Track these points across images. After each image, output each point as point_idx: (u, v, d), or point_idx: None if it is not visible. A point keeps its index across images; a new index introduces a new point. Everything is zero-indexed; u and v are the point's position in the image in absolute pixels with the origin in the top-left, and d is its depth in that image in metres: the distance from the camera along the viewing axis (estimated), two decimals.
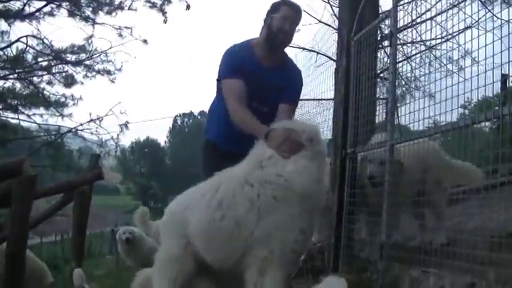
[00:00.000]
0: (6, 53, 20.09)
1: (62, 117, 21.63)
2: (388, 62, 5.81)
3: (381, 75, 7.24)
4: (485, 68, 4.06)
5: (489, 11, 4.99)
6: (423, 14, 7.12)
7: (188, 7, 20.55)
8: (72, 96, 22.02)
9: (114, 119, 21.23)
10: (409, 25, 8.17)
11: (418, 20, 7.84)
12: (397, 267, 5.01)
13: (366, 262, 5.66)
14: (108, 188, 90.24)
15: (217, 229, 4.42)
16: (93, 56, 21.80)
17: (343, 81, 6.39)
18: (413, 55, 9.17)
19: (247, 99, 5.35)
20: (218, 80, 5.51)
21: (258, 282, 4.30)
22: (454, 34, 6.01)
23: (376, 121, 6.32)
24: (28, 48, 20.27)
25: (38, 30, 20.33)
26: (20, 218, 5.71)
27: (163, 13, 21.27)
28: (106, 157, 23.57)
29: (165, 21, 21.39)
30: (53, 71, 21.64)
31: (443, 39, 7.96)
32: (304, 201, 4.42)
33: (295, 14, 5.58)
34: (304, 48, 10.41)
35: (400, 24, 6.19)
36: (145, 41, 22.05)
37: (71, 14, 20.70)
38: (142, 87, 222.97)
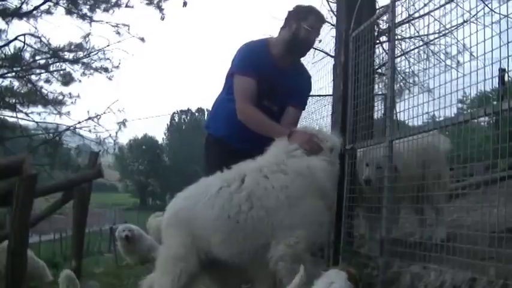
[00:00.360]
0: (4, 51, 20.16)
1: (60, 115, 21.71)
2: (386, 57, 5.81)
3: (379, 70, 7.24)
4: (484, 63, 4.07)
5: (486, 5, 5.00)
6: (420, 9, 7.12)
7: (185, 4, 20.51)
8: (70, 94, 22.10)
9: (112, 117, 21.31)
10: (407, 20, 8.17)
11: (416, 15, 7.84)
12: (398, 263, 5.01)
13: (366, 258, 5.66)
14: (106, 186, 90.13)
15: (244, 220, 4.52)
16: (91, 54, 21.89)
17: (341, 78, 6.38)
18: (410, 50, 9.19)
19: (259, 97, 5.44)
20: (230, 75, 5.48)
21: (289, 269, 4.40)
22: (452, 29, 6.02)
23: (375, 117, 6.32)
24: (26, 46, 20.37)
25: (36, 28, 20.39)
26: (21, 216, 5.72)
27: (161, 10, 21.33)
28: (104, 155, 23.57)
29: (162, 18, 21.42)
30: (51, 69, 21.73)
31: (440, 34, 7.97)
32: (325, 196, 4.80)
33: (320, 25, 5.84)
34: None
35: (398, 19, 6.19)
36: (142, 39, 22.09)
37: (68, 11, 20.73)
38: (139, 85, 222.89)
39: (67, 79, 21.68)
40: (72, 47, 21.34)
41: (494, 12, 4.42)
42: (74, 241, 8.34)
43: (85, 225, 8.33)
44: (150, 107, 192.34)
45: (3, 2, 19.41)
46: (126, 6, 21.16)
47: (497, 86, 5.25)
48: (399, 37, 9.34)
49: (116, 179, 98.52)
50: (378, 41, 7.20)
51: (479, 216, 4.70)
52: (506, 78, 5.03)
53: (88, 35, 21.34)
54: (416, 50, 9.65)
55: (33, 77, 21.63)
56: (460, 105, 6.06)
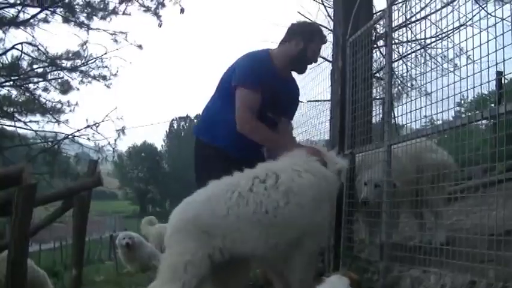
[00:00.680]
0: (1, 60, 20.13)
1: (58, 124, 21.66)
2: (384, 61, 5.83)
3: (377, 75, 7.25)
4: (480, 66, 4.08)
5: (483, 9, 5.01)
6: (417, 13, 7.15)
7: (182, 11, 20.58)
8: (68, 102, 22.03)
9: (110, 125, 21.27)
10: (404, 24, 8.19)
11: (413, 19, 7.86)
12: (398, 267, 5.02)
13: (366, 263, 5.67)
14: (106, 194, 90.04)
15: (281, 215, 4.63)
16: (89, 62, 21.82)
17: (339, 83, 6.41)
18: (408, 54, 9.21)
19: (263, 109, 5.46)
20: (234, 87, 5.47)
21: (306, 264, 4.85)
22: (449, 33, 6.04)
23: (373, 121, 6.34)
24: (23, 55, 20.30)
25: (33, 37, 20.36)
26: (20, 226, 5.72)
27: (158, 17, 21.30)
28: (103, 162, 23.55)
29: (159, 25, 21.43)
30: (49, 77, 21.69)
31: (438, 38, 7.99)
32: (332, 202, 5.14)
33: (322, 45, 5.92)
34: None
35: (395, 23, 6.21)
36: (140, 46, 22.07)
37: (66, 20, 20.70)
38: (138, 92, 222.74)
39: (65, 87, 21.68)
40: (70, 55, 21.34)
41: (491, 15, 4.41)
42: (74, 249, 8.32)
43: (85, 234, 8.31)
44: (148, 114, 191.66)
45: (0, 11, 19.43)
46: (124, 13, 21.16)
47: (494, 89, 5.27)
48: (397, 41, 9.36)
49: (115, 186, 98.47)
50: (375, 45, 7.21)
51: (478, 219, 4.72)
52: (503, 82, 5.06)
53: (85, 43, 21.34)
54: (414, 54, 9.67)
55: (31, 86, 21.61)
56: (458, 108, 6.08)
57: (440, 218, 5.88)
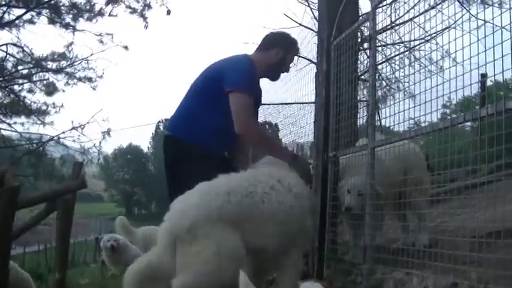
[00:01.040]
0: None
1: (43, 126, 21.66)
2: (369, 64, 5.83)
3: (362, 77, 7.26)
4: (463, 68, 4.09)
5: (468, 11, 5.03)
6: (403, 15, 7.16)
7: (169, 12, 20.63)
8: (53, 104, 22.03)
9: (96, 126, 21.24)
10: (389, 27, 8.21)
11: (398, 22, 7.88)
12: (381, 270, 5.02)
13: (350, 265, 5.67)
14: (92, 196, 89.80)
15: (292, 215, 5.00)
16: (74, 63, 21.80)
17: (323, 85, 6.40)
18: (393, 56, 9.23)
19: None
20: (229, 90, 5.49)
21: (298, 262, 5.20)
22: (434, 35, 6.06)
23: (358, 124, 6.34)
24: (8, 56, 20.28)
25: (18, 38, 20.33)
26: (2, 228, 5.67)
27: (144, 19, 21.31)
28: (89, 165, 23.47)
29: (145, 27, 21.42)
30: (34, 79, 21.67)
31: (423, 41, 8.02)
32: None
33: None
34: None
35: (380, 26, 6.21)
36: (126, 47, 22.07)
37: (51, 21, 20.69)
38: (124, 94, 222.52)
39: (50, 89, 21.65)
40: (55, 56, 21.32)
41: (476, 17, 4.42)
42: (58, 252, 8.25)
43: (69, 236, 8.24)
44: (134, 116, 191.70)
45: None
46: (110, 15, 21.15)
47: (479, 91, 5.28)
48: (382, 43, 9.38)
49: (101, 188, 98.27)
50: (361, 48, 7.22)
51: (461, 221, 4.73)
52: (487, 84, 5.07)
53: (71, 44, 21.33)
54: (399, 56, 9.69)
55: (16, 87, 21.59)
56: (443, 110, 6.10)
57: (423, 220, 5.90)
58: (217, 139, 5.60)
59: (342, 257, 6.06)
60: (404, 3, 6.47)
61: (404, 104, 5.09)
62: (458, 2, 5.64)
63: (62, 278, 7.58)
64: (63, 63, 21.61)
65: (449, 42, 4.33)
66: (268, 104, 12.03)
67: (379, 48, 8.53)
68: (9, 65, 20.72)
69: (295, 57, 6.69)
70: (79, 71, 22.11)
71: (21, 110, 21.24)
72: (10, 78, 21.02)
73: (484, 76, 4.37)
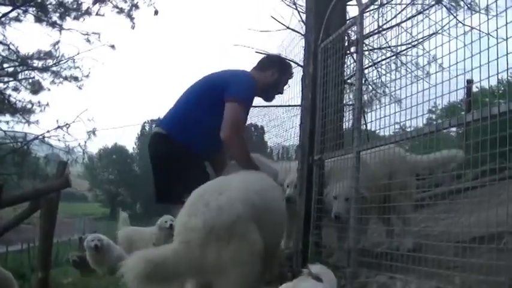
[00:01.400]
0: None
1: (28, 124, 21.50)
2: (355, 68, 5.84)
3: (348, 81, 7.28)
4: (449, 74, 4.10)
5: (454, 17, 5.04)
6: (390, 20, 7.18)
7: (156, 13, 20.61)
8: (38, 102, 21.90)
9: (81, 126, 21.16)
10: (376, 31, 8.23)
11: (385, 27, 7.90)
12: (365, 273, 5.03)
13: (334, 268, 5.67)
14: (76, 195, 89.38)
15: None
16: (60, 62, 21.69)
17: (310, 88, 6.41)
18: (380, 61, 9.26)
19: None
20: (229, 98, 5.61)
21: None
22: (421, 40, 6.08)
23: (344, 127, 6.36)
24: None
25: (4, 35, 20.21)
26: None
27: (131, 19, 21.27)
28: (73, 164, 23.37)
29: (132, 27, 21.38)
30: (19, 77, 21.50)
31: (409, 46, 8.05)
32: None
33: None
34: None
35: (367, 30, 6.24)
36: (113, 47, 22.00)
37: (38, 19, 20.59)
38: (110, 94, 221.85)
39: (36, 87, 21.53)
40: (42, 55, 21.21)
41: (462, 23, 4.44)
42: (41, 251, 8.24)
43: (53, 235, 8.21)
44: (120, 116, 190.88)
45: None
46: (97, 14, 21.09)
47: (464, 97, 5.30)
48: (369, 47, 9.39)
49: (85, 188, 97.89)
50: (348, 51, 7.23)
51: (445, 226, 4.75)
52: (473, 90, 5.09)
53: (57, 42, 21.24)
54: (385, 61, 9.71)
55: (1, 85, 21.41)
56: (429, 115, 6.12)
57: (408, 225, 5.91)
58: (209, 144, 5.74)
59: (326, 259, 6.06)
60: (392, 8, 6.51)
61: (390, 108, 5.11)
62: (446, 8, 5.67)
63: (45, 277, 7.55)
64: (49, 61, 21.53)
65: (436, 47, 4.34)
66: (254, 106, 12.04)
67: (366, 53, 8.53)
68: None
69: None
70: (65, 69, 22.03)
71: (6, 108, 21.11)
72: None
73: (470, 82, 4.39)
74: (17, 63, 21.21)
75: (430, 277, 4.15)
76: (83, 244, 15.54)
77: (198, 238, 4.29)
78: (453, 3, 9.64)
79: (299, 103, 7.84)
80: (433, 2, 6.06)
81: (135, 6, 21.22)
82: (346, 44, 6.88)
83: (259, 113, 12.15)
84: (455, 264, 4.03)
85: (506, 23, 3.33)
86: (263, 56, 6.55)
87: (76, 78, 22.29)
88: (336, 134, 6.03)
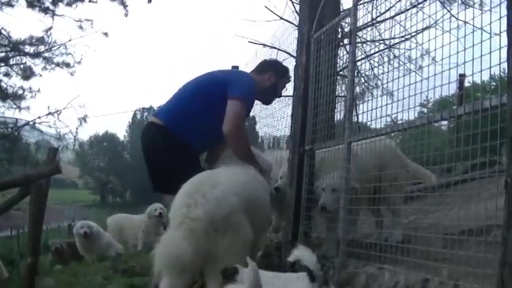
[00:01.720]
0: None
1: (19, 110, 21.42)
2: (348, 60, 5.85)
3: (341, 73, 7.28)
4: (442, 67, 4.11)
5: (448, 11, 5.04)
6: (384, 13, 7.18)
7: (150, 0, 20.49)
8: (30, 88, 21.80)
9: (72, 113, 21.09)
10: (370, 24, 8.22)
11: (379, 19, 7.90)
12: (353, 264, 5.05)
13: (323, 258, 5.69)
14: (66, 182, 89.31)
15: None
16: (52, 48, 21.60)
17: (302, 79, 6.41)
18: (373, 54, 9.25)
19: None
20: (232, 96, 5.75)
21: None
22: (414, 34, 6.08)
23: (335, 119, 6.36)
24: None
25: None
26: None
27: (124, 6, 21.20)
28: (64, 151, 23.33)
29: (125, 15, 21.33)
30: (11, 62, 21.41)
31: (402, 39, 8.05)
32: None
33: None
34: (265, 45, 10.42)
35: (361, 22, 6.24)
36: (105, 34, 21.96)
37: (30, 4, 20.50)
38: (102, 81, 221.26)
39: (27, 73, 21.44)
40: (33, 40, 21.12)
41: (456, 18, 4.45)
42: (30, 237, 8.23)
43: (42, 222, 8.19)
44: (112, 103, 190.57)
45: None
46: (90, 1, 21.02)
47: (457, 90, 5.31)
48: (362, 39, 9.39)
49: (75, 175, 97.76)
50: (341, 43, 7.23)
51: (435, 218, 4.77)
52: (465, 84, 5.10)
53: (50, 29, 21.14)
54: (378, 53, 9.71)
55: None
56: (421, 109, 6.13)
57: (397, 216, 5.93)
58: (206, 139, 5.93)
59: (315, 250, 6.08)
60: (386, 0, 6.50)
61: (382, 100, 5.11)
62: (439, 1, 5.66)
63: (34, 263, 7.54)
64: (41, 47, 21.44)
65: (429, 40, 4.35)
66: None
67: (359, 45, 8.54)
68: None
69: (276, 51, 6.81)
70: (57, 56, 21.95)
71: None
72: None
73: (462, 76, 4.40)
74: (8, 49, 21.10)
75: (418, 268, 4.18)
76: (72, 231, 15.53)
77: (199, 227, 4.47)
78: None
79: (291, 93, 7.84)
80: None
81: None
82: (339, 35, 6.87)
83: None
84: (443, 256, 4.06)
85: (500, 17, 3.34)
86: (263, 60, 6.63)
87: (68, 65, 22.23)
88: (327, 124, 6.03)
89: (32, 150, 22.47)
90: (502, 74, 3.56)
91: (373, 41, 9.23)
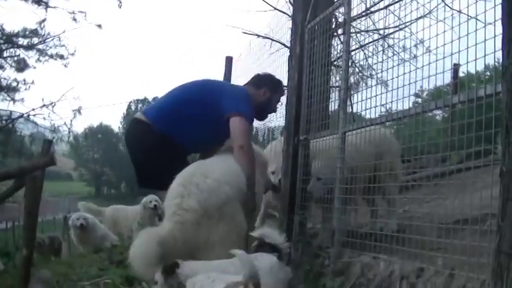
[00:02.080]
0: None
1: (13, 102, 21.43)
2: (342, 49, 5.84)
3: (335, 63, 7.27)
4: (436, 56, 4.11)
5: (442, 0, 5.04)
6: (378, 2, 7.17)
7: None
8: (24, 80, 21.81)
9: (67, 105, 21.13)
10: (364, 13, 8.21)
11: (373, 9, 7.88)
12: (348, 253, 5.05)
13: (318, 248, 5.70)
14: (61, 174, 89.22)
15: None
16: (46, 40, 21.57)
17: (296, 69, 6.41)
18: (367, 43, 9.24)
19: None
20: (232, 113, 5.68)
21: None
22: (408, 23, 6.07)
23: (330, 109, 6.36)
24: None
25: None
26: None
27: None
28: (58, 143, 23.33)
29: (119, 6, 21.30)
30: (4, 54, 21.35)
31: (397, 28, 8.04)
32: None
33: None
34: (258, 35, 10.41)
35: (355, 12, 6.23)
36: (99, 26, 21.93)
37: None
38: (96, 73, 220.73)
39: (21, 65, 21.43)
40: (27, 32, 21.09)
41: (449, 7, 4.44)
42: (26, 230, 8.22)
43: (37, 214, 8.18)
44: (106, 95, 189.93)
45: None
46: None
47: (451, 79, 5.30)
48: (356, 29, 9.38)
49: (70, 167, 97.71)
50: (335, 33, 7.22)
51: (430, 208, 4.77)
52: (460, 74, 5.09)
53: (43, 20, 21.10)
54: (372, 43, 9.70)
55: None
56: (415, 98, 6.13)
57: (392, 206, 5.94)
58: (198, 144, 5.99)
59: (311, 240, 6.08)
60: None
61: (377, 90, 5.11)
62: None
63: (29, 255, 7.54)
64: (35, 39, 21.42)
65: (424, 29, 4.35)
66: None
67: (353, 35, 8.53)
68: None
69: (270, 41, 6.74)
70: (51, 48, 21.94)
71: None
72: None
73: (456, 65, 4.40)
74: (1, 41, 21.07)
75: (413, 258, 4.19)
76: (67, 223, 15.53)
77: (193, 218, 4.57)
78: None
79: (285, 84, 7.84)
80: None
81: None
82: (333, 25, 6.86)
83: None
84: (438, 245, 4.07)
85: (495, 5, 3.33)
86: (256, 74, 6.58)
87: (62, 57, 22.24)
88: (321, 114, 6.03)
89: (27, 143, 22.46)
90: (496, 63, 3.55)
91: (367, 30, 9.22)
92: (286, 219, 6.19)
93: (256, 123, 7.13)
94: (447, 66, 4.04)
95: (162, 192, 5.27)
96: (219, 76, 11.54)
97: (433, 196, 5.15)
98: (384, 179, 5.63)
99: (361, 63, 9.77)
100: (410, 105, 4.67)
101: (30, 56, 21.61)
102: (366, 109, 5.21)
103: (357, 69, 9.70)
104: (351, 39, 5.81)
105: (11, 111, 21.46)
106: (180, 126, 5.75)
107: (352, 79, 8.20)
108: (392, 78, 4.73)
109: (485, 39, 3.46)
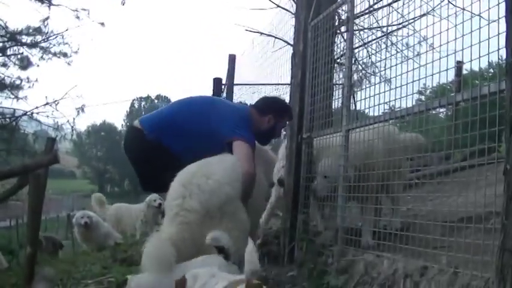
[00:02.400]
0: None
1: (17, 100, 21.46)
2: (345, 47, 5.83)
3: (338, 60, 7.26)
4: (440, 54, 4.10)
5: None
6: (381, 0, 7.16)
7: None
8: (27, 78, 21.83)
9: (70, 103, 21.17)
10: (367, 11, 8.19)
11: (376, 6, 7.87)
12: (352, 252, 5.05)
13: (321, 246, 5.69)
14: (64, 172, 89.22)
15: None
16: (49, 38, 21.57)
17: (299, 66, 6.40)
18: (370, 41, 9.23)
19: None
20: (235, 137, 5.62)
21: None
22: (411, 20, 6.06)
23: (333, 106, 6.35)
24: None
25: None
26: None
27: None
28: (62, 141, 23.32)
29: (123, 3, 21.27)
30: (8, 52, 21.36)
31: (400, 26, 8.03)
32: None
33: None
34: (262, 33, 10.40)
35: (358, 10, 6.22)
36: (102, 24, 21.94)
37: None
38: (99, 71, 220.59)
39: (25, 63, 21.45)
40: (31, 30, 21.11)
41: (453, 4, 4.43)
42: (29, 228, 8.23)
43: (41, 212, 8.17)
44: (109, 93, 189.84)
45: None
46: None
47: (455, 77, 5.29)
48: (360, 27, 9.37)
49: (73, 165, 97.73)
50: (338, 31, 7.21)
51: (434, 206, 4.75)
52: (463, 72, 5.08)
53: (47, 19, 21.11)
54: (375, 41, 9.68)
55: None
56: (419, 96, 6.11)
57: (396, 204, 5.92)
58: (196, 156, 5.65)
59: (314, 238, 6.07)
60: None
61: (380, 87, 5.10)
62: None
63: (33, 253, 7.54)
64: (38, 37, 21.43)
65: (427, 27, 4.34)
66: (243, 85, 12.02)
67: (356, 32, 8.53)
68: None
69: (273, 39, 6.69)
70: (54, 45, 21.96)
71: None
72: None
73: (460, 63, 4.39)
74: (5, 39, 21.09)
75: (417, 256, 4.18)
76: (71, 221, 15.55)
77: (196, 219, 4.60)
78: None
79: (288, 81, 7.83)
80: None
81: None
82: (336, 23, 6.86)
83: (248, 91, 12.13)
84: (442, 243, 4.06)
85: (498, 3, 3.32)
86: (263, 97, 6.49)
87: (65, 55, 22.26)
88: (325, 112, 6.02)
89: (30, 141, 22.45)
90: (500, 61, 3.54)
91: (370, 28, 9.21)
92: (290, 217, 6.19)
93: None
94: (451, 63, 4.05)
95: (163, 193, 5.30)
96: (222, 74, 11.54)
97: (437, 194, 5.13)
98: (393, 177, 5.61)
99: (365, 60, 9.74)
100: (414, 103, 4.66)
101: (34, 54, 21.66)
102: (370, 107, 5.21)
103: (360, 67, 9.67)
104: (354, 36, 5.82)
105: (14, 109, 21.49)
106: (174, 139, 5.75)
107: (355, 77, 8.18)
108: (396, 76, 4.73)
109: (488, 37, 3.45)
